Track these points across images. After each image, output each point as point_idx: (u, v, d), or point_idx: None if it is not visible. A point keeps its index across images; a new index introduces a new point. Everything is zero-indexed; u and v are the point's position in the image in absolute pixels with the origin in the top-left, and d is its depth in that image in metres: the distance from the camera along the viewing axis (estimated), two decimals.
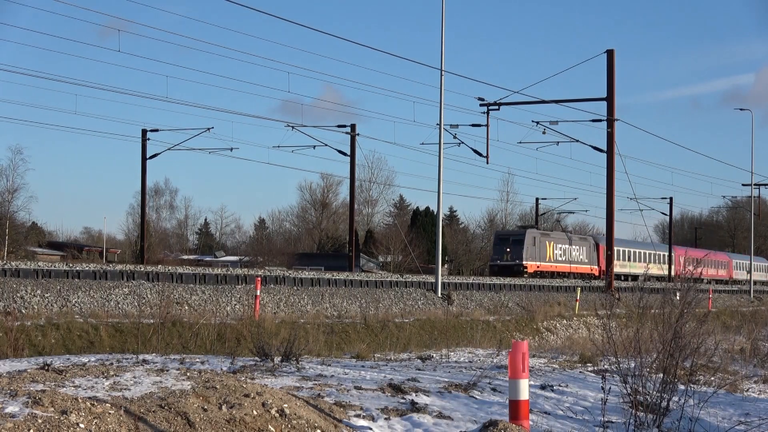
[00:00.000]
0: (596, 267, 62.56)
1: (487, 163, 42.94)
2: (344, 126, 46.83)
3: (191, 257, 79.48)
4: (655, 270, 69.56)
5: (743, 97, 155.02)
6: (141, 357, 13.75)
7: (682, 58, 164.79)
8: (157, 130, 48.12)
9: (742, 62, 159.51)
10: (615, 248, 57.90)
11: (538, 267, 56.14)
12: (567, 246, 60.06)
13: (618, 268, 60.28)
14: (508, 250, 55.76)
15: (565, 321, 37.83)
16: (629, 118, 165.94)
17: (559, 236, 60.94)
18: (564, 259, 59.24)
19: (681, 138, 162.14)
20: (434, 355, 18.15)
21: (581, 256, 61.54)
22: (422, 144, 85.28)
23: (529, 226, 61.11)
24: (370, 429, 9.69)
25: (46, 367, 10.64)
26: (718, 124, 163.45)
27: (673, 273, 66.49)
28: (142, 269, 28.80)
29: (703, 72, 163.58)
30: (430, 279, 38.62)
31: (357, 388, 11.38)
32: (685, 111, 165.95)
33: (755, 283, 79.23)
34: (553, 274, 57.36)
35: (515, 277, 48.28)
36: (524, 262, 55.12)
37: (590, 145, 43.99)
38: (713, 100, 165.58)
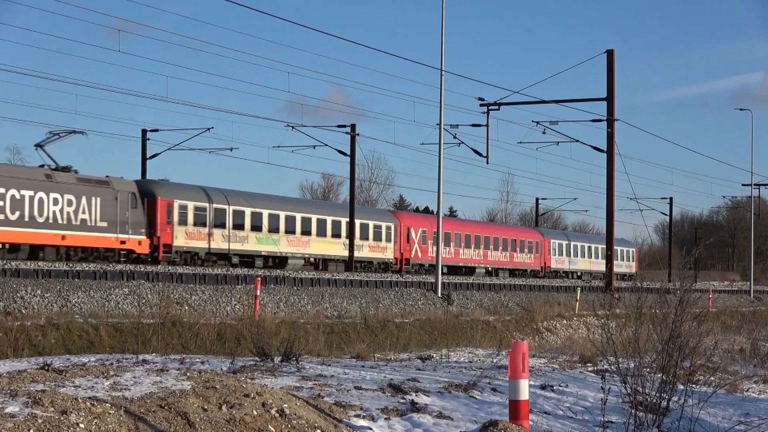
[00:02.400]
0: (142, 237, 34.49)
1: (487, 163, 42.94)
2: (344, 126, 46.82)
3: None
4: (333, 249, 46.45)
5: (752, 96, 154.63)
6: (141, 357, 13.75)
7: (690, 56, 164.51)
8: (157, 130, 48.08)
9: (750, 61, 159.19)
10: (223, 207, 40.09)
11: None
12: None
13: (224, 243, 39.98)
14: None
15: (565, 321, 37.83)
16: (637, 117, 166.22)
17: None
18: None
19: (688, 137, 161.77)
20: (434, 355, 18.15)
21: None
22: (422, 144, 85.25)
23: None
24: (370, 429, 9.69)
25: (46, 367, 10.64)
26: (724, 123, 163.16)
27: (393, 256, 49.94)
28: (142, 269, 28.80)
29: (711, 71, 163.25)
30: (430, 279, 38.65)
31: (357, 388, 11.38)
32: (694, 110, 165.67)
33: (590, 275, 62.96)
34: None
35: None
36: None
37: (590, 145, 43.98)
38: (721, 99, 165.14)
